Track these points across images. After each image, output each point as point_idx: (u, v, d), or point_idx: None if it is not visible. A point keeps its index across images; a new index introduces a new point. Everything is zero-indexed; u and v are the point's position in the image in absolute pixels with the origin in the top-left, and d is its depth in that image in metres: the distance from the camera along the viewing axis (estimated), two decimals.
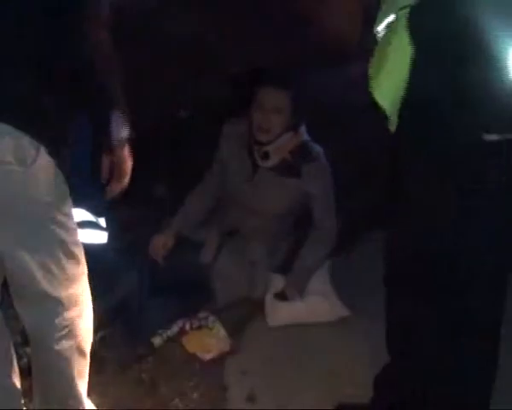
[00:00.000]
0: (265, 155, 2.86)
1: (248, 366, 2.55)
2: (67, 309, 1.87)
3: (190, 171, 3.27)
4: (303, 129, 2.91)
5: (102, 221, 2.99)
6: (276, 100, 2.79)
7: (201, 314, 2.73)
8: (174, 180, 3.70)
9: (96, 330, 2.55)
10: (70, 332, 1.87)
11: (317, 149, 2.92)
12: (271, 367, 2.55)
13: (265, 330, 2.76)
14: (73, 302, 1.88)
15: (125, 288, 2.72)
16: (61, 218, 1.84)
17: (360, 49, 3.81)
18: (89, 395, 2.20)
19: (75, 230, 1.92)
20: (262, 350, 2.65)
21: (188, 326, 2.67)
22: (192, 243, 2.96)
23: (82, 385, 1.95)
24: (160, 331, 2.64)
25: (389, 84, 1.92)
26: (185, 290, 2.84)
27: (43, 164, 1.76)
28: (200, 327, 2.68)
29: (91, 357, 2.43)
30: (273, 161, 2.86)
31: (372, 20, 3.37)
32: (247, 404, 2.38)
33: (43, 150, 1.75)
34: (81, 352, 1.92)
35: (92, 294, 2.68)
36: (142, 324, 2.65)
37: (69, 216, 1.90)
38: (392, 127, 1.91)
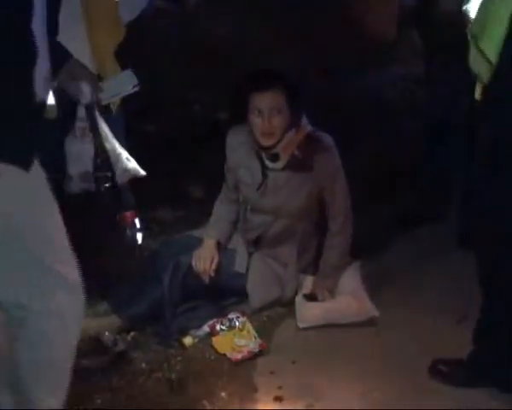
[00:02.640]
0: (275, 157, 2.86)
1: (277, 366, 2.56)
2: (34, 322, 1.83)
3: None
4: (305, 121, 2.88)
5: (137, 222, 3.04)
6: (271, 102, 2.76)
7: (231, 315, 2.76)
8: (212, 182, 3.75)
9: (128, 331, 2.65)
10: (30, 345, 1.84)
11: (325, 137, 2.89)
12: (300, 368, 2.55)
13: (294, 330, 2.78)
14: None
15: (158, 289, 2.76)
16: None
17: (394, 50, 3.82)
18: (118, 393, 2.27)
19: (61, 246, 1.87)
20: (291, 351, 2.65)
21: (218, 327, 2.70)
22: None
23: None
24: (190, 332, 2.68)
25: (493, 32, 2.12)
26: (217, 292, 2.89)
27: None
28: (230, 328, 2.70)
29: (122, 357, 2.52)
30: (283, 161, 2.86)
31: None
32: (275, 404, 2.38)
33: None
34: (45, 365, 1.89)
35: (126, 293, 2.77)
36: (173, 324, 2.70)
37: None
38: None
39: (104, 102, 2.40)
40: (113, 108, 2.84)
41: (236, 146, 2.94)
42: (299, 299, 2.87)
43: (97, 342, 2.53)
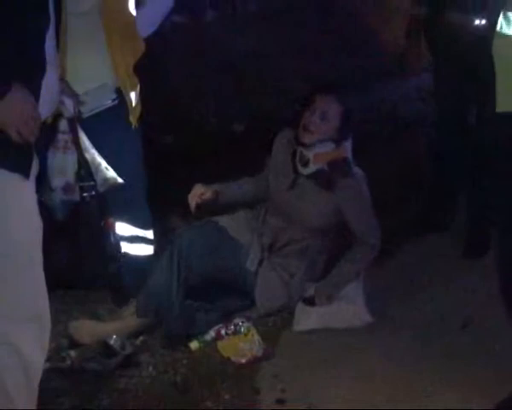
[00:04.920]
0: (305, 162, 2.94)
1: (280, 369, 2.61)
2: None
3: None
4: (347, 146, 2.96)
5: (150, 234, 3.12)
6: (326, 106, 2.90)
7: (236, 320, 2.82)
8: None
9: (136, 335, 2.73)
10: None
11: (358, 170, 2.95)
12: (302, 371, 2.60)
13: (298, 335, 2.83)
14: None
15: (166, 293, 2.81)
16: None
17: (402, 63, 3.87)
18: (124, 395, 2.35)
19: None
20: (294, 355, 2.70)
21: (223, 331, 2.77)
22: (232, 246, 3.01)
23: None
24: (197, 336, 2.75)
25: None
26: (225, 297, 2.95)
27: None
28: (235, 333, 2.77)
29: (129, 361, 2.59)
30: (311, 168, 2.93)
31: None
32: (277, 406, 2.43)
33: None
34: None
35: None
36: (180, 329, 2.76)
37: None
38: None
39: (85, 115, 2.51)
40: (133, 122, 2.93)
41: (279, 145, 3.08)
42: (299, 304, 2.92)
43: (105, 345, 2.59)
